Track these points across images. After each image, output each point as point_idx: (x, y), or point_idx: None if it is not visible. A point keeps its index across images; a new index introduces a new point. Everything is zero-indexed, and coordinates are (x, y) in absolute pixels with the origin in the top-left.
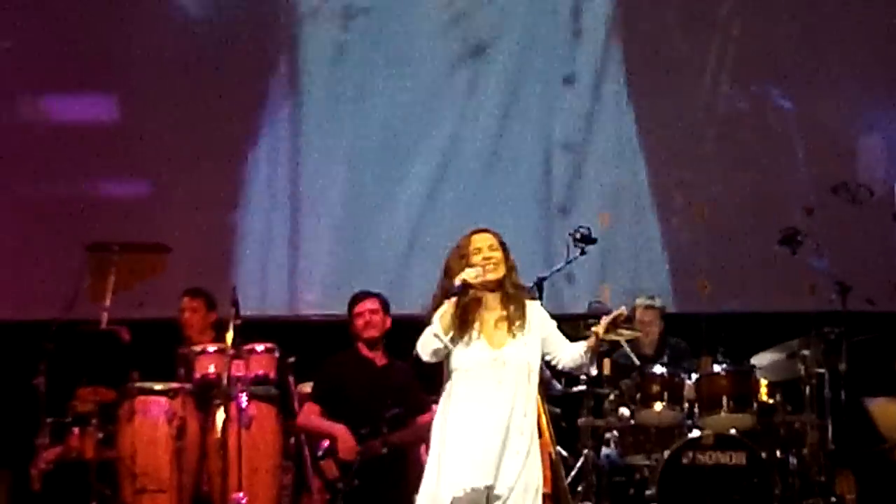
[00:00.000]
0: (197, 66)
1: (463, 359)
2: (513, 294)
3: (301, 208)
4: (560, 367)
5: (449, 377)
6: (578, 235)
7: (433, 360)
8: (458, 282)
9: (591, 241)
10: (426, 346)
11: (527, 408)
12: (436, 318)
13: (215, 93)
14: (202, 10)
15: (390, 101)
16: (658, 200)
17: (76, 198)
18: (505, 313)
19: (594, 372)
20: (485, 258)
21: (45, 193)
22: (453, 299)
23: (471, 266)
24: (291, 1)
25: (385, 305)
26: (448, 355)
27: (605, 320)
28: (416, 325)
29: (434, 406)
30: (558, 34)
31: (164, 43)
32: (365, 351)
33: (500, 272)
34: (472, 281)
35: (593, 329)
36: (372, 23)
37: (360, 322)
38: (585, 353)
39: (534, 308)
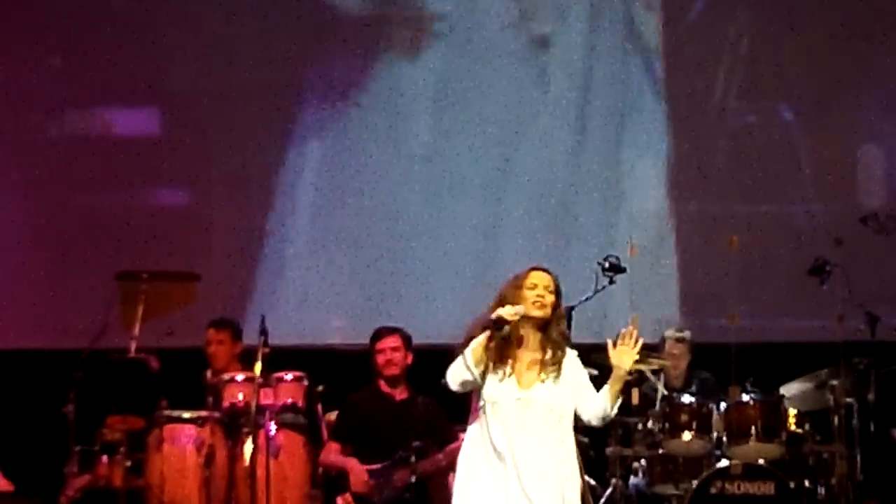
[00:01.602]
0: (229, 89)
1: (492, 392)
2: (555, 341)
3: (330, 237)
4: (585, 419)
5: (478, 407)
6: (607, 264)
7: (460, 390)
8: (494, 316)
9: (621, 270)
10: (455, 375)
11: (564, 455)
12: (468, 348)
13: (249, 118)
14: (241, 28)
15: (425, 130)
16: (687, 231)
17: (106, 226)
18: (540, 356)
19: (613, 413)
20: (538, 295)
21: (74, 222)
22: (486, 332)
23: (522, 299)
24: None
25: (407, 341)
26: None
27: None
28: (443, 354)
29: (461, 435)
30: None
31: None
32: (385, 387)
33: (547, 312)
34: (507, 317)
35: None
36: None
37: (381, 359)
38: (608, 395)
39: (570, 358)
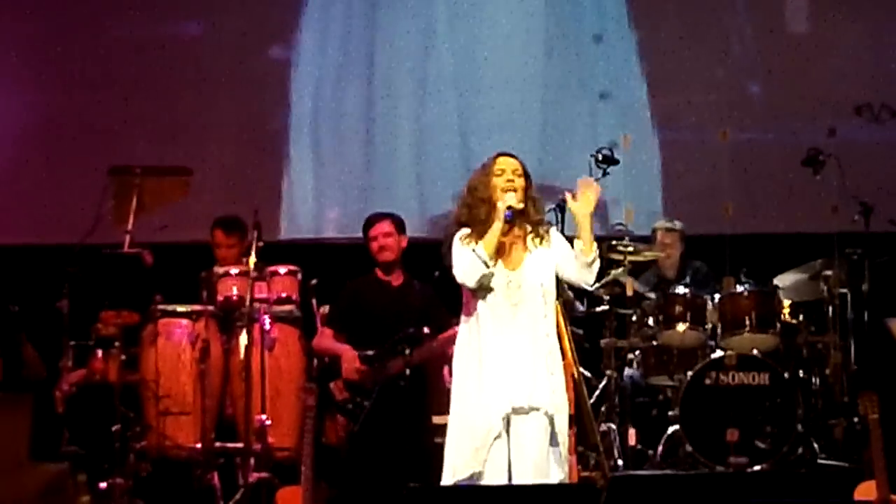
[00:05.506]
0: None
1: None
2: (534, 219)
3: (324, 128)
4: (574, 280)
5: (468, 298)
6: (600, 157)
7: (477, 286)
8: (505, 210)
9: (614, 161)
10: (471, 273)
11: (547, 329)
12: (481, 244)
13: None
14: None
15: (416, 25)
16: (679, 122)
17: (100, 120)
18: (520, 233)
19: (594, 256)
20: (507, 180)
21: (68, 116)
22: (498, 225)
23: (491, 186)
24: None
25: (399, 226)
26: None
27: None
28: (436, 246)
29: (455, 324)
30: None
31: None
32: (381, 274)
33: (521, 197)
34: (515, 205)
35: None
36: None
37: (375, 246)
38: (581, 243)
39: (552, 232)
